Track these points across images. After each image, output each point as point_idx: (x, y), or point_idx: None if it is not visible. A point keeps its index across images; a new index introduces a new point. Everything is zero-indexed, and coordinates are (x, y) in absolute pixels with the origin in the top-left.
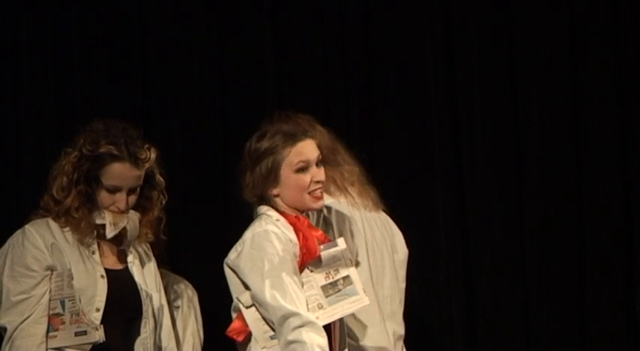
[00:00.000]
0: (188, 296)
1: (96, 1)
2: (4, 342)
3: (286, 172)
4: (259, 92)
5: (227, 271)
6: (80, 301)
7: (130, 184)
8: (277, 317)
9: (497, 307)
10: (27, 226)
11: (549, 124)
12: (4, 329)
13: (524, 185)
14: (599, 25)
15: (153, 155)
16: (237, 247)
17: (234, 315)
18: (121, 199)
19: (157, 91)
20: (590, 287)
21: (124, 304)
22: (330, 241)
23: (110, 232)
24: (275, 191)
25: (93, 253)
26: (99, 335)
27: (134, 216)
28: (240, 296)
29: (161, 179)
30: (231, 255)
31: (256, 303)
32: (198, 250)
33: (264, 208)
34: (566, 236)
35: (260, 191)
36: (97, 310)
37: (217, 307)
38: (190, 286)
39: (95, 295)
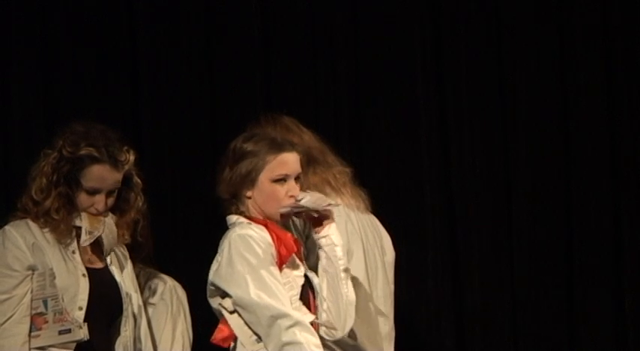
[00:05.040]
0: (178, 296)
1: (86, 1)
2: None
3: (264, 179)
4: (248, 94)
5: (209, 286)
6: (63, 300)
7: (109, 187)
8: (266, 318)
9: (485, 308)
10: (7, 227)
11: (538, 130)
12: None
13: (513, 190)
14: (589, 34)
15: (132, 157)
16: (217, 257)
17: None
18: (100, 200)
19: (145, 93)
20: (579, 290)
21: (105, 303)
22: (300, 244)
23: (86, 241)
24: (249, 193)
25: (73, 252)
26: (83, 333)
27: (110, 221)
28: (222, 302)
29: (139, 181)
30: (213, 267)
31: (240, 308)
32: (188, 250)
33: (233, 218)
34: (555, 237)
35: (235, 190)
36: (80, 308)
37: (207, 307)
38: (179, 286)
39: (77, 294)
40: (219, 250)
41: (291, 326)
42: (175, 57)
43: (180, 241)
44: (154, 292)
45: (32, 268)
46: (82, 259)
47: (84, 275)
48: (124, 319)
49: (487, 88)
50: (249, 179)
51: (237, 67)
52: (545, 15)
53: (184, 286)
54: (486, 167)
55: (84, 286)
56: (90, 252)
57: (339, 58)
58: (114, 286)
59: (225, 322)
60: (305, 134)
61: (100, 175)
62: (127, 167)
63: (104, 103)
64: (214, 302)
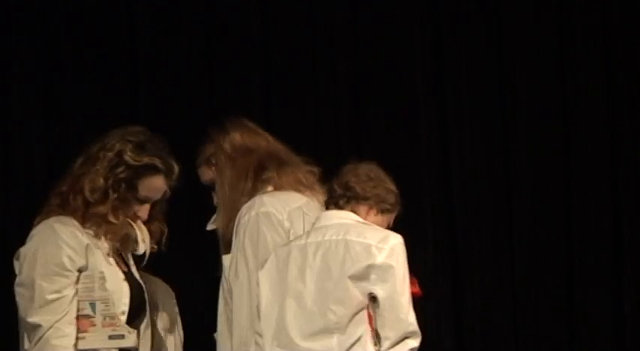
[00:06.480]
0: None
1: (86, 1)
2: (33, 338)
3: (381, 219)
4: (247, 94)
5: (370, 268)
6: (114, 305)
7: (158, 197)
8: (404, 330)
9: (485, 308)
10: (56, 224)
11: (538, 130)
12: (35, 326)
13: (513, 190)
14: (589, 34)
15: (178, 170)
16: (382, 245)
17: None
18: (145, 209)
19: (145, 93)
20: (579, 290)
21: (140, 307)
22: None
23: (141, 249)
24: (377, 212)
25: (108, 255)
26: (134, 340)
27: (143, 227)
28: (376, 291)
29: (168, 191)
30: (378, 253)
31: (392, 308)
32: (186, 250)
33: (355, 216)
34: (555, 237)
35: (374, 197)
36: (123, 313)
37: (197, 307)
38: (168, 287)
39: (121, 298)
40: (388, 242)
41: (416, 348)
42: (175, 57)
43: (179, 241)
44: None
45: (81, 270)
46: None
47: (124, 279)
48: (145, 321)
49: (487, 88)
50: (393, 203)
51: (237, 67)
52: (545, 15)
53: (173, 288)
54: (486, 167)
55: (125, 289)
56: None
57: (339, 58)
58: (141, 290)
59: (370, 310)
60: (269, 137)
61: (158, 186)
62: (175, 180)
63: (104, 103)
64: (363, 286)
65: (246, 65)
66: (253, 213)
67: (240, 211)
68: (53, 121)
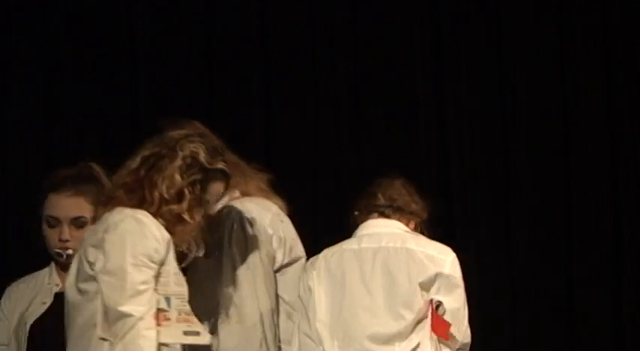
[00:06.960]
0: None
1: (86, 1)
2: (120, 328)
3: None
4: (247, 94)
5: (433, 277)
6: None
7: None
8: (461, 342)
9: (485, 308)
10: (137, 215)
11: (538, 130)
12: (125, 316)
13: (513, 190)
14: (589, 34)
15: None
16: (444, 257)
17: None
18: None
19: (145, 93)
20: (579, 290)
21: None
22: None
23: (201, 252)
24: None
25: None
26: (209, 338)
27: None
28: (445, 301)
29: None
30: (446, 264)
31: (451, 316)
32: None
33: (403, 226)
34: (555, 237)
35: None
36: None
37: None
38: None
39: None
40: (439, 253)
41: None
42: (175, 57)
43: None
44: None
45: (162, 263)
46: None
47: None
48: None
49: (487, 88)
50: (425, 219)
51: (237, 67)
52: (545, 15)
53: None
54: (486, 167)
55: (187, 289)
56: None
57: (339, 58)
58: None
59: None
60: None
61: (219, 191)
62: None
63: (104, 103)
64: (425, 295)
65: (246, 65)
66: (237, 218)
67: (216, 216)
68: (53, 121)
